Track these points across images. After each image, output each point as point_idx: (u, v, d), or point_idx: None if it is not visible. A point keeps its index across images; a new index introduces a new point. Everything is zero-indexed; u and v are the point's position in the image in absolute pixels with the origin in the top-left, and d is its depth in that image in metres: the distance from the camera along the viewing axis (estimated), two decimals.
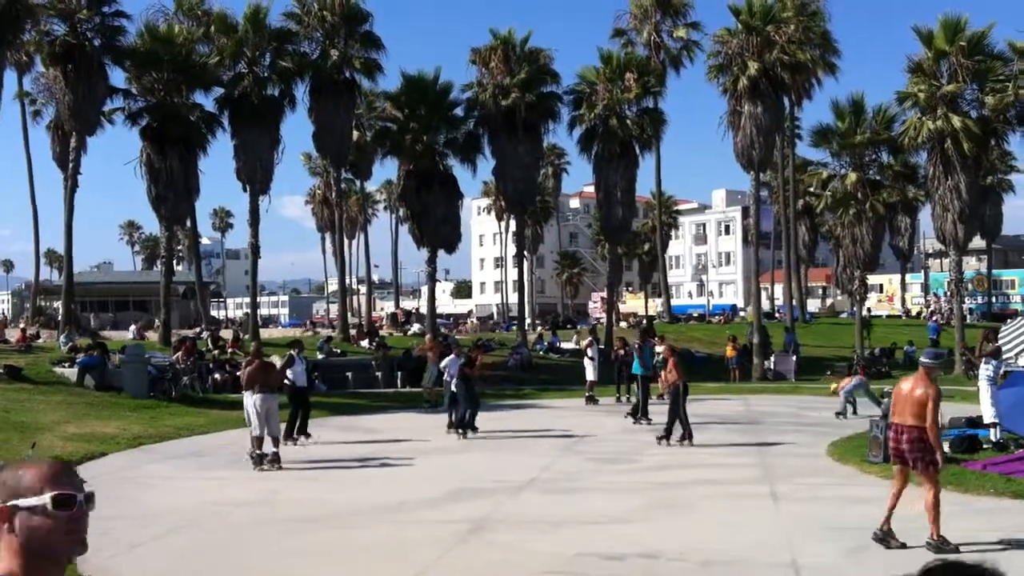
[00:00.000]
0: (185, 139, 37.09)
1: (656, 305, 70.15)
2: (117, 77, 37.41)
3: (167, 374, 27.32)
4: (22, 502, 2.20)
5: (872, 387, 23.60)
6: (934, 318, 54.66)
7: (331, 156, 43.13)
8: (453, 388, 20.57)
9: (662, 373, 19.93)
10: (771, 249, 64.90)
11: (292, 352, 19.43)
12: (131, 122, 37.31)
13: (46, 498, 2.20)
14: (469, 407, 19.96)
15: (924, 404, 9.88)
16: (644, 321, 49.69)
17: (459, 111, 41.45)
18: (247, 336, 38.75)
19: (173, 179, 36.51)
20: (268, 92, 38.94)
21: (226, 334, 39.46)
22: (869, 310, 52.44)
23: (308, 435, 18.86)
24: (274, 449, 16.06)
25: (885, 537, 9.91)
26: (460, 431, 19.66)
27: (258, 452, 15.95)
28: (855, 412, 22.61)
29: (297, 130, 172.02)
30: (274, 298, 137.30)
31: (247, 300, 46.96)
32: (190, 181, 37.84)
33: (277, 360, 19.37)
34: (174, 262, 50.34)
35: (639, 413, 21.84)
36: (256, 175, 38.62)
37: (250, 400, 16.08)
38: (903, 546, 9.76)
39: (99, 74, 35.55)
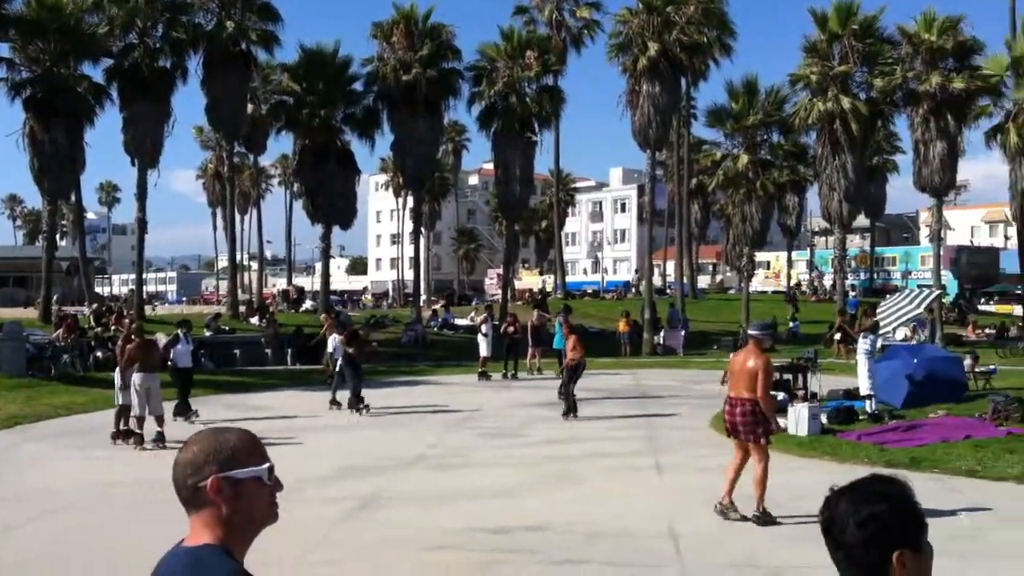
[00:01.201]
0: (71, 111, 35.75)
1: (551, 281, 70.71)
2: (1, 46, 35.87)
3: (47, 352, 26.45)
4: (240, 472, 2.18)
5: None
6: (816, 294, 56.44)
7: (224, 130, 42.15)
8: (338, 368, 20.41)
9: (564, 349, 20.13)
10: (665, 226, 65.93)
11: (179, 331, 19.05)
12: (15, 93, 35.76)
13: (264, 468, 2.21)
14: (352, 385, 19.78)
15: (755, 376, 10.10)
16: (539, 296, 49.98)
17: (358, 86, 41.01)
18: (131, 312, 37.73)
19: (58, 152, 35.24)
20: (160, 64, 37.74)
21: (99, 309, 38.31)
22: (799, 285, 53.64)
23: (195, 412, 18.49)
24: (159, 429, 15.76)
25: (724, 511, 10.04)
26: (354, 409, 19.48)
27: (139, 432, 15.65)
28: None
29: (189, 102, 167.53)
30: (162, 274, 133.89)
31: (133, 276, 45.63)
32: (76, 154, 36.57)
33: (162, 338, 18.95)
34: (57, 237, 48.64)
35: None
36: (145, 148, 37.49)
37: (133, 379, 15.77)
38: (743, 519, 9.93)
39: None
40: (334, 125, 40.40)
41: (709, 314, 48.03)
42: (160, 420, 15.94)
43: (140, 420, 15.78)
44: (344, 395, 20.18)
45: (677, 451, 14.63)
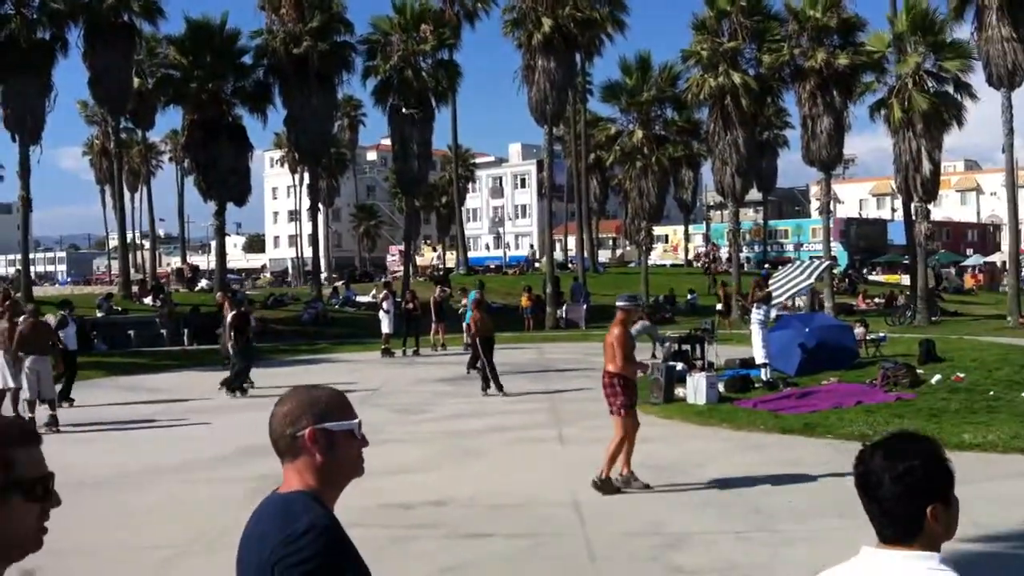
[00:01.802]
0: None
1: (450, 257, 70.64)
2: None
3: None
4: (334, 425, 2.34)
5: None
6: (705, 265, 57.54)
7: (109, 104, 40.79)
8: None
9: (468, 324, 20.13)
10: (564, 202, 66.38)
11: (63, 312, 18.46)
12: None
13: (355, 423, 2.37)
14: (237, 366, 19.36)
15: (613, 347, 10.33)
16: (440, 272, 49.87)
17: (247, 59, 40.03)
18: (19, 295, 36.36)
19: None
20: (38, 36, 36.23)
21: None
22: (716, 260, 54.14)
23: (71, 401, 17.91)
24: (51, 412, 15.32)
25: (626, 482, 10.18)
26: (229, 390, 19.04)
27: (30, 416, 15.15)
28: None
29: (72, 75, 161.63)
30: (51, 254, 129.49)
31: (19, 257, 43.99)
32: None
33: (52, 319, 18.34)
34: None
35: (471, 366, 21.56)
36: (26, 124, 35.96)
37: (24, 362, 15.27)
38: (647, 487, 10.12)
39: None
40: (224, 99, 39.43)
41: (610, 288, 48.41)
42: (52, 404, 15.53)
43: (31, 404, 15.38)
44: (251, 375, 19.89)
45: (579, 423, 14.79)
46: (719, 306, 34.81)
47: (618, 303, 10.77)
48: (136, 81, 42.15)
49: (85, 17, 37.19)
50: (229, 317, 20.45)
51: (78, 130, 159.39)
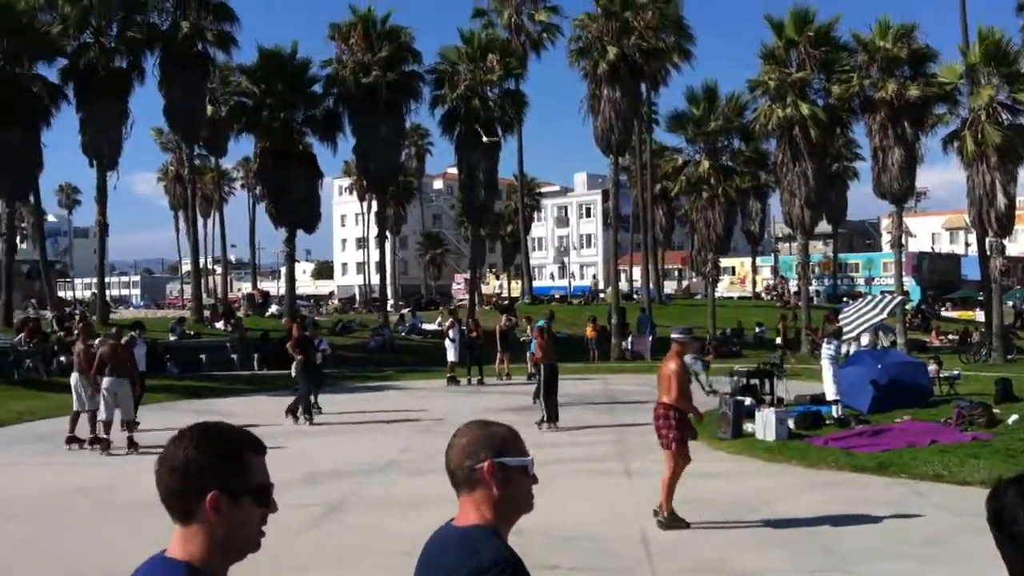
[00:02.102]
0: (26, 112, 35.23)
1: (517, 286, 70.74)
2: None
3: (9, 356, 26.07)
4: (511, 460, 2.42)
5: (723, 366, 24.29)
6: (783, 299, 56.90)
7: (183, 132, 41.75)
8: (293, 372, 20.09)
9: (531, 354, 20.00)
10: (630, 232, 66.11)
11: (133, 334, 18.83)
12: None
13: (529, 459, 2.46)
14: (301, 391, 19.33)
15: (670, 379, 10.17)
16: (505, 301, 49.94)
17: (318, 88, 40.72)
18: (95, 317, 37.23)
19: (13, 153, 34.63)
20: (116, 64, 37.35)
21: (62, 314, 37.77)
22: (796, 294, 53.46)
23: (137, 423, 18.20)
24: (129, 434, 15.59)
25: (671, 523, 9.88)
26: (293, 416, 18.98)
27: (105, 436, 15.47)
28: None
29: (148, 103, 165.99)
30: (125, 278, 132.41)
31: (96, 280, 45.10)
32: (32, 155, 36.02)
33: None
34: (17, 240, 47.91)
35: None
36: (103, 150, 37.07)
37: (102, 383, 15.62)
38: (687, 526, 9.87)
39: None
40: (294, 127, 40.13)
41: (675, 319, 47.93)
42: (130, 426, 15.75)
43: (107, 425, 15.62)
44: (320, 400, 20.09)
45: (647, 456, 14.60)
46: (779, 340, 34.37)
47: (673, 336, 10.70)
48: (210, 109, 43.10)
49: (161, 46, 38.20)
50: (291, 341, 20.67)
51: (153, 156, 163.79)
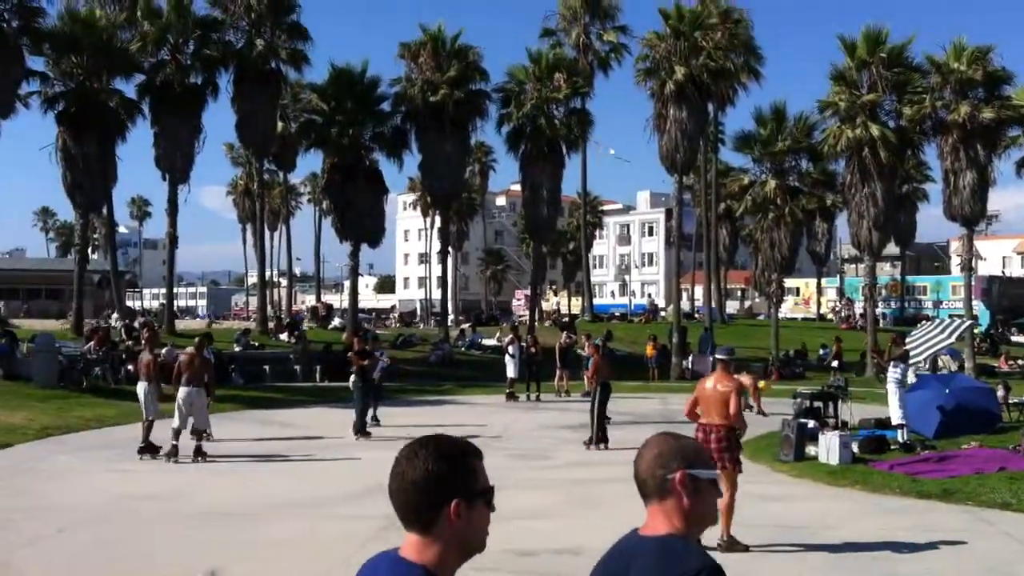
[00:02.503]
0: (103, 125, 36.14)
1: (576, 303, 70.62)
2: (35, 61, 36.34)
3: (78, 364, 26.69)
4: (701, 472, 2.54)
5: (786, 388, 24.03)
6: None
7: (254, 147, 42.55)
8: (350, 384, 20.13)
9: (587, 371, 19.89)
10: (692, 251, 65.71)
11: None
12: (48, 106, 36.25)
13: (716, 472, 2.59)
14: (357, 407, 19.20)
15: (727, 401, 10.01)
16: (567, 319, 49.90)
17: (386, 105, 41.13)
18: (162, 327, 38.00)
19: (89, 166, 35.58)
20: (191, 80, 38.25)
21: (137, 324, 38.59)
22: (862, 316, 52.67)
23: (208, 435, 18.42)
24: (198, 442, 15.88)
25: (730, 546, 9.75)
26: (358, 434, 18.83)
27: (173, 443, 15.76)
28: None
29: (220, 119, 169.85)
30: (192, 289, 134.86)
31: (164, 291, 46.06)
32: (107, 168, 36.92)
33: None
34: (89, 250, 49.14)
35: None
36: (176, 164, 37.92)
37: (178, 392, 15.97)
38: (746, 549, 9.75)
39: (16, 57, 34.31)
40: (362, 144, 40.58)
41: (737, 339, 47.48)
42: (201, 435, 15.99)
43: (176, 432, 15.87)
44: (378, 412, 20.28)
45: None
46: (835, 363, 33.92)
47: (719, 355, 10.60)
48: (280, 125, 43.85)
49: (235, 63, 39.04)
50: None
51: (223, 170, 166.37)
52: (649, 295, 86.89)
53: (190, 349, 16.93)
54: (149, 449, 15.92)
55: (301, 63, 40.76)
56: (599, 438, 17.75)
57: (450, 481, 2.25)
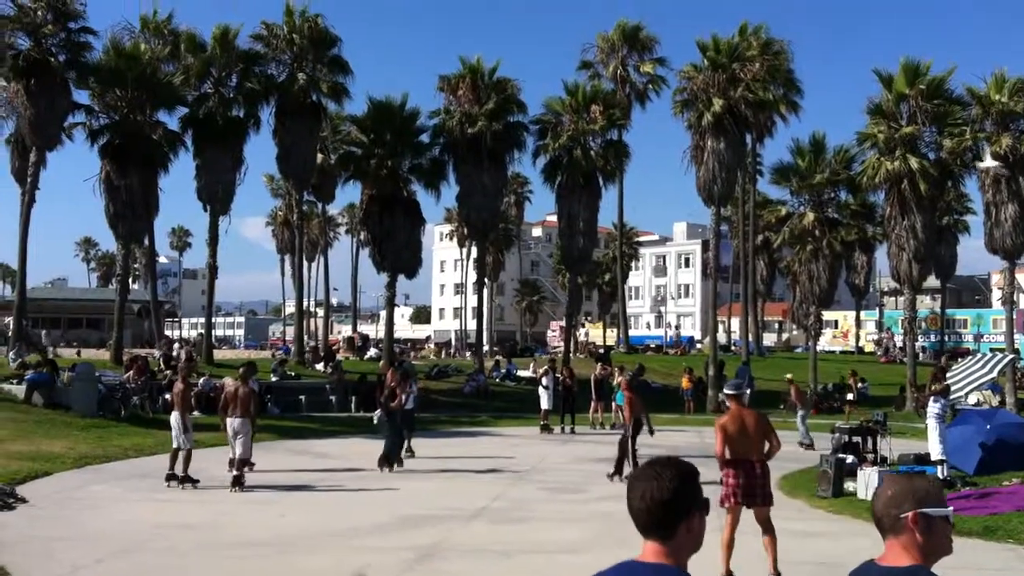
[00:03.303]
0: (146, 157, 36.79)
1: (612, 334, 70.40)
2: (80, 93, 37.11)
3: (117, 393, 26.96)
4: (932, 511, 2.80)
5: (825, 422, 23.80)
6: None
7: (294, 178, 43.00)
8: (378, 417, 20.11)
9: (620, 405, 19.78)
10: (730, 283, 65.40)
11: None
12: (92, 139, 36.99)
13: (950, 510, 2.82)
14: (387, 439, 19.01)
15: (766, 436, 9.97)
16: (600, 351, 49.75)
17: (425, 137, 41.48)
18: (200, 357, 38.37)
19: (132, 197, 36.17)
20: (233, 113, 38.88)
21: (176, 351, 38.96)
22: (902, 350, 51.79)
23: (251, 465, 18.45)
24: (237, 472, 16.07)
25: None
26: (385, 465, 18.52)
27: (236, 474, 16.08)
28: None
29: (261, 151, 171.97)
30: (230, 319, 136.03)
31: (203, 320, 46.56)
32: (149, 199, 37.51)
33: (230, 382, 19.21)
34: (130, 280, 49.76)
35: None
36: (217, 195, 38.44)
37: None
38: None
39: (62, 89, 35.14)
40: (400, 175, 40.89)
41: (775, 372, 47.16)
42: (243, 464, 16.17)
43: (231, 462, 16.22)
44: (412, 444, 20.30)
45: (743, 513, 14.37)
46: (850, 396, 33.54)
47: (729, 391, 10.49)
48: (319, 157, 44.33)
49: (277, 96, 39.61)
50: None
51: (262, 201, 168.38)
52: (676, 327, 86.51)
53: (228, 380, 17.07)
54: (177, 478, 16.01)
55: (342, 96, 41.27)
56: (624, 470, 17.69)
57: (689, 497, 2.69)
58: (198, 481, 15.98)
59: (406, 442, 20.52)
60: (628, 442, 17.96)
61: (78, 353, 39.82)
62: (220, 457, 18.10)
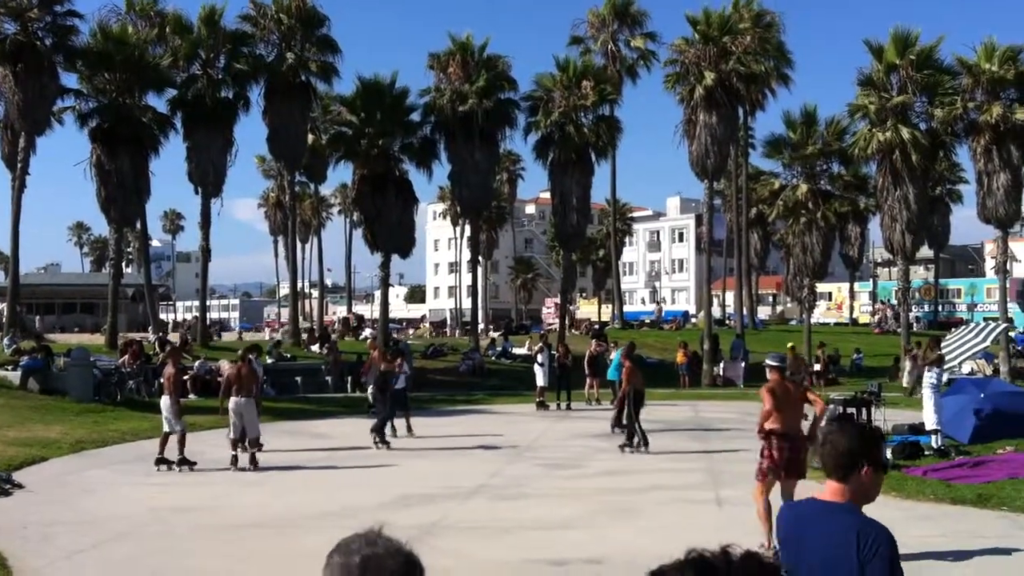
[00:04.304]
0: (136, 140, 36.60)
1: (608, 311, 70.50)
2: (69, 77, 36.90)
3: (113, 378, 26.95)
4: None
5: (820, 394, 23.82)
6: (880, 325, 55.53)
7: (285, 159, 42.83)
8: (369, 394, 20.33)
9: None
10: (723, 257, 65.40)
11: (250, 357, 19.20)
12: (82, 123, 36.76)
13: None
14: (380, 414, 19.38)
15: (803, 405, 10.06)
16: (596, 327, 49.83)
17: (415, 116, 41.21)
18: (195, 340, 38.37)
19: (123, 181, 36.03)
20: (222, 94, 38.63)
21: (174, 337, 38.96)
22: (884, 320, 52.03)
23: (261, 445, 18.46)
24: (252, 451, 16.28)
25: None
26: (377, 442, 18.69)
27: (233, 454, 16.28)
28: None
29: (251, 132, 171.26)
30: (224, 301, 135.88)
31: (197, 303, 46.49)
32: (141, 183, 37.33)
33: (226, 365, 19.23)
34: (123, 264, 49.66)
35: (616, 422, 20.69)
36: (208, 177, 38.28)
37: (229, 403, 16.47)
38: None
39: (50, 74, 34.93)
40: (392, 155, 40.69)
41: (769, 345, 47.09)
42: (254, 443, 16.33)
43: (233, 443, 16.38)
44: (400, 422, 20.32)
45: (738, 485, 14.41)
46: (817, 367, 33.71)
47: (772, 362, 10.48)
48: (310, 137, 44.14)
49: (266, 77, 39.37)
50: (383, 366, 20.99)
51: (254, 183, 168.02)
52: (657, 302, 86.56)
53: (224, 362, 17.11)
54: (167, 462, 16.03)
55: (331, 75, 41.03)
56: (643, 440, 18.07)
57: (862, 452, 3.49)
58: (195, 463, 16.03)
59: (405, 421, 20.61)
60: (627, 408, 18.18)
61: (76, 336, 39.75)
62: (217, 440, 18.15)
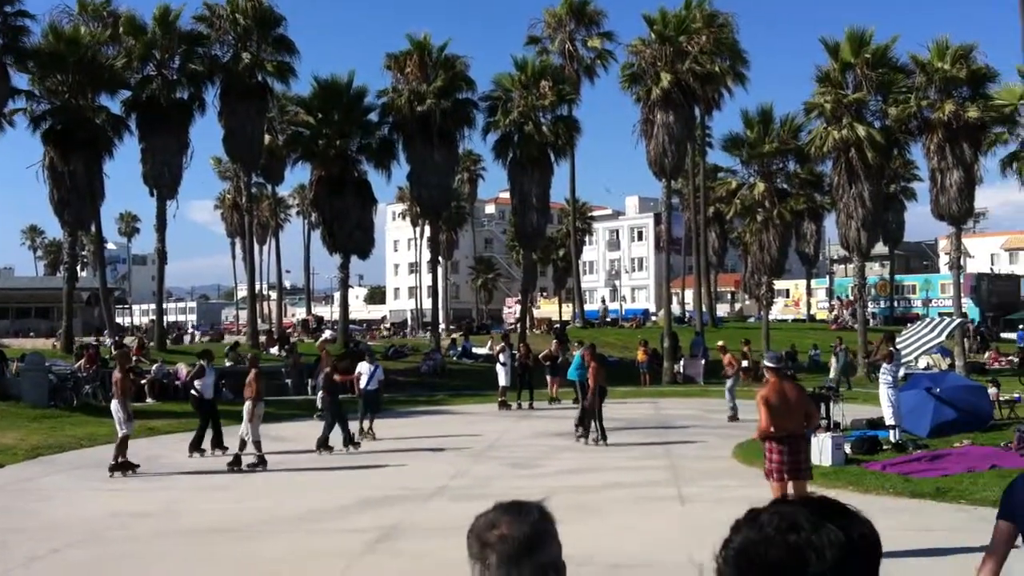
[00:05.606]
0: (90, 142, 36.08)
1: (569, 310, 70.66)
2: (20, 78, 36.25)
3: (68, 383, 26.55)
4: None
5: None
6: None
7: (242, 160, 42.44)
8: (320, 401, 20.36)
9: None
10: (682, 255, 65.78)
11: (202, 362, 19.02)
12: (34, 125, 36.19)
13: None
14: (328, 422, 18.86)
15: (806, 408, 10.10)
16: (557, 327, 49.92)
17: (373, 116, 41.09)
18: (152, 343, 37.93)
19: (77, 183, 35.50)
20: (177, 95, 38.22)
21: (129, 341, 38.46)
22: (853, 316, 52.22)
23: (225, 448, 18.23)
24: (238, 452, 16.72)
25: None
26: (321, 449, 18.28)
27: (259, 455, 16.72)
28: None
29: (207, 133, 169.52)
30: (182, 304, 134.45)
31: (153, 306, 45.97)
32: (95, 185, 36.81)
33: (183, 369, 19.04)
34: (78, 268, 48.95)
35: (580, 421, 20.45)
36: (164, 179, 37.84)
37: (251, 408, 16.80)
38: None
39: (1, 75, 34.35)
40: (350, 155, 40.52)
41: (728, 343, 47.72)
42: (243, 444, 16.62)
43: (256, 444, 16.67)
44: (358, 426, 20.27)
45: (699, 482, 14.53)
46: (745, 363, 34.00)
47: (769, 363, 10.48)
48: (267, 138, 43.75)
49: (222, 78, 38.99)
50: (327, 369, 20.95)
51: (211, 185, 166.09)
52: (603, 300, 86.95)
53: (181, 365, 16.92)
54: (122, 467, 15.80)
55: (288, 76, 40.69)
56: (602, 435, 18.84)
57: None
58: (138, 466, 15.88)
59: (368, 423, 20.51)
60: (593, 405, 18.77)
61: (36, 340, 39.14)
62: (177, 444, 17.99)
